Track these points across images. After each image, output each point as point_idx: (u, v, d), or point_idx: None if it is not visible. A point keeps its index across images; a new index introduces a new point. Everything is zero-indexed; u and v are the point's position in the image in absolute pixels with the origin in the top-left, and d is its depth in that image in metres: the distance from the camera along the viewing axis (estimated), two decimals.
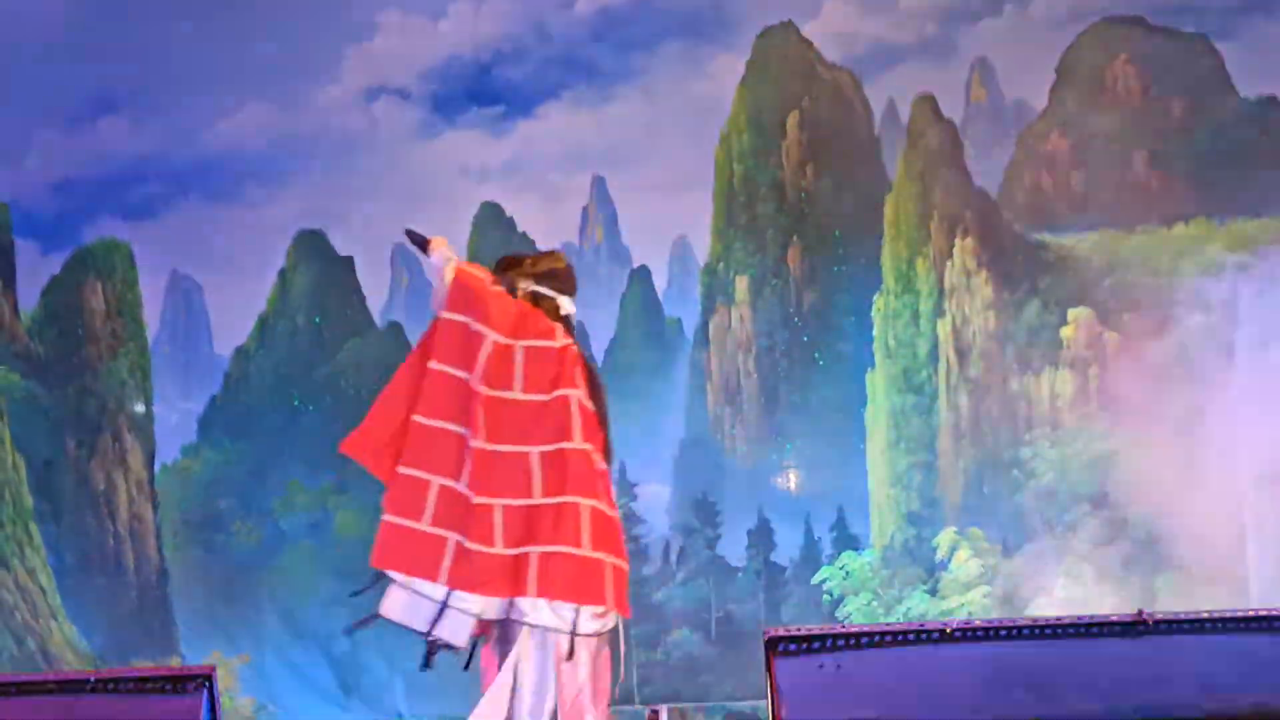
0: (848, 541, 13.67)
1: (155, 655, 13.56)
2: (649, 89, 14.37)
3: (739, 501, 13.99)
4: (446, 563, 5.38)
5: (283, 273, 14.59)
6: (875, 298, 13.91)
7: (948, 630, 5.00)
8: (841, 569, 13.63)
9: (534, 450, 5.40)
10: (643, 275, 14.50)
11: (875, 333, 13.90)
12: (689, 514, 13.99)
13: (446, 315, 5.55)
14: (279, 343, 14.55)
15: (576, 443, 5.40)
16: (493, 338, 5.52)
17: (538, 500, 5.36)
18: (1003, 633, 5.05)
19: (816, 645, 4.86)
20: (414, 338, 14.54)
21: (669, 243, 14.58)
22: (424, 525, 5.44)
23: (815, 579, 13.68)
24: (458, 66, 14.51)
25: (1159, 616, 5.06)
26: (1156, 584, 13.29)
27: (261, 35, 14.36)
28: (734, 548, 13.89)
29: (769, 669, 4.86)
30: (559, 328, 5.76)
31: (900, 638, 4.97)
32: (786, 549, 13.80)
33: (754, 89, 14.30)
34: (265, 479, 14.25)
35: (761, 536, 13.87)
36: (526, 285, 5.93)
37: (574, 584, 5.20)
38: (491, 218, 14.56)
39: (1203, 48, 13.84)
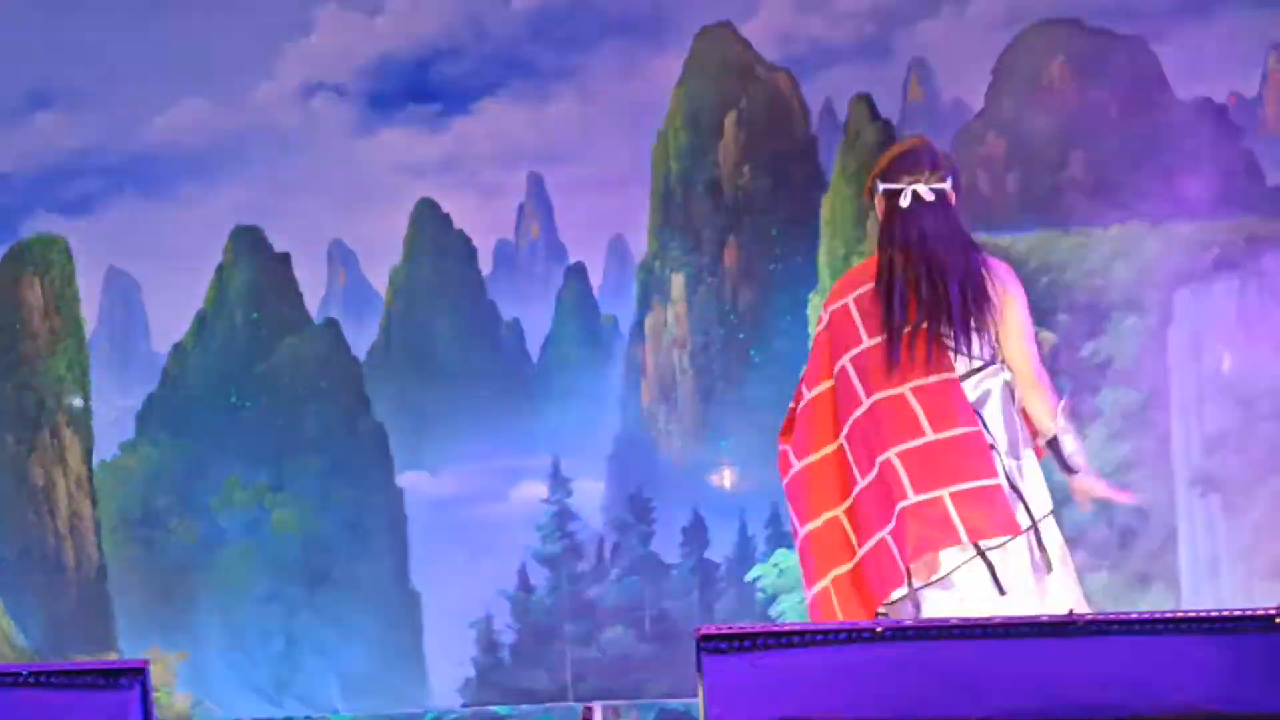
0: (782, 539, 13.72)
1: (93, 651, 13.51)
2: (586, 87, 14.39)
3: (673, 498, 14.03)
4: None
5: (220, 269, 14.54)
6: (810, 296, 13.97)
7: (879, 630, 5.04)
8: (775, 567, 13.68)
9: None
10: (579, 272, 14.51)
11: (810, 331, 13.97)
12: (623, 510, 14.02)
13: None
14: (217, 339, 14.51)
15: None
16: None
17: None
18: (934, 632, 5.08)
19: (748, 643, 4.89)
20: (351, 335, 14.60)
21: (605, 240, 14.60)
22: None
23: (749, 576, 13.73)
24: (394, 63, 14.49)
25: (1089, 617, 5.10)
26: (1088, 585, 13.38)
27: (197, 30, 14.30)
28: (668, 545, 13.93)
29: (700, 667, 4.89)
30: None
31: (832, 637, 5.00)
32: (721, 546, 13.84)
33: (691, 88, 14.34)
34: (203, 476, 14.21)
35: (696, 533, 13.91)
36: (878, 188, 5.82)
37: None
38: (428, 214, 14.55)
39: (1139, 50, 13.93)
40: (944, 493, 5.77)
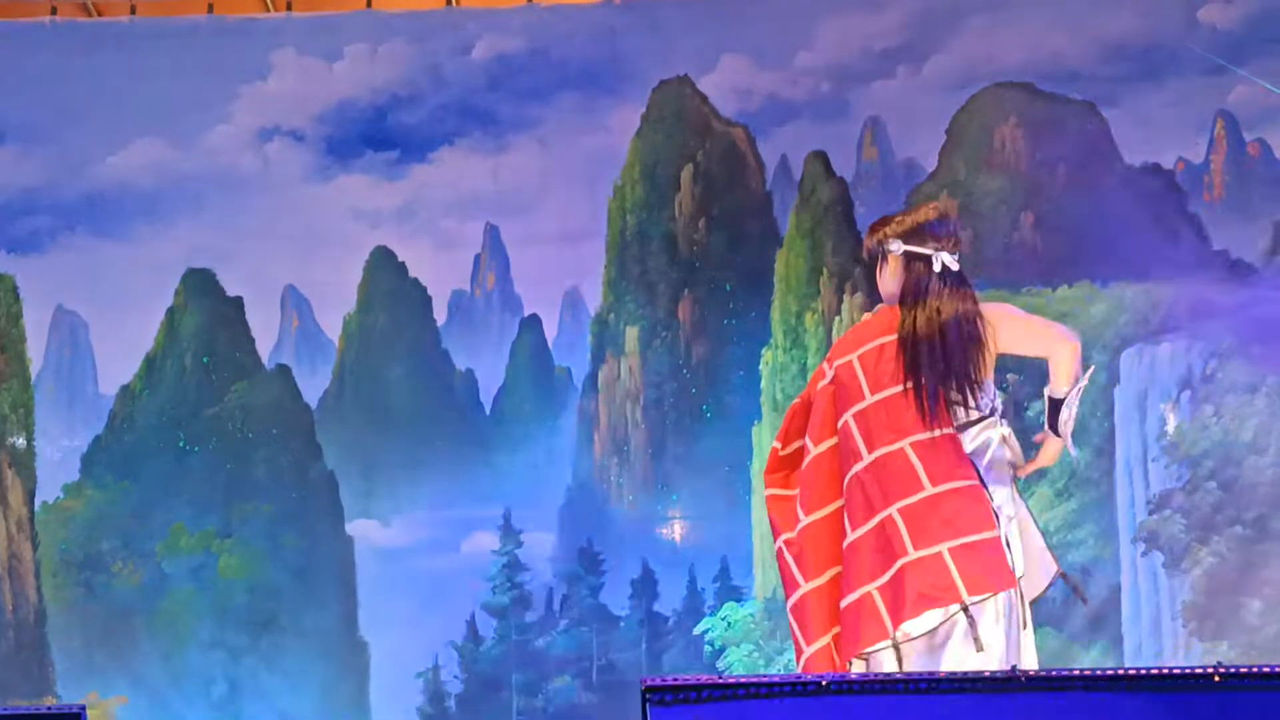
0: (730, 593, 13.73)
1: (30, 695, 13.39)
2: (544, 138, 14.43)
3: (623, 551, 14.02)
4: None
5: (171, 311, 14.48)
6: (764, 351, 14.01)
7: (824, 683, 5.05)
8: (724, 620, 13.69)
9: None
10: (533, 324, 14.52)
11: (763, 386, 14.00)
12: (573, 562, 14.00)
13: None
14: (166, 382, 14.44)
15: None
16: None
17: None
18: (878, 687, 5.10)
19: (693, 695, 4.89)
20: (302, 381, 14.56)
21: (560, 292, 14.61)
22: None
23: (698, 629, 13.73)
24: (352, 110, 14.51)
25: (1033, 673, 5.12)
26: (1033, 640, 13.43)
27: (154, 71, 14.31)
28: (617, 596, 13.92)
29: (645, 718, 4.89)
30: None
31: (777, 689, 5.02)
32: (670, 599, 13.84)
33: (649, 141, 14.39)
34: (148, 520, 14.12)
35: (645, 586, 13.91)
36: (895, 247, 5.83)
37: None
38: (383, 262, 14.54)
39: (1089, 115, 14.06)
40: (943, 548, 5.81)
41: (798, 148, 14.27)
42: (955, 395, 5.88)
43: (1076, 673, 4.98)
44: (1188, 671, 5.01)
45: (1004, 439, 6.09)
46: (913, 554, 5.79)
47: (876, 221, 5.99)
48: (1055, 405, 6.13)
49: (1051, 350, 6.16)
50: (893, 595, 5.84)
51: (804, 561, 6.04)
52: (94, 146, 14.34)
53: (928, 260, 5.89)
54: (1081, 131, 14.03)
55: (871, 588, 5.86)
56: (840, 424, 5.86)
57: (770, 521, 6.20)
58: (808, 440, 6.08)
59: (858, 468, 5.83)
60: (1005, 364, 14.15)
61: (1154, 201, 13.87)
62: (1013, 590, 5.96)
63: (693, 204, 14.37)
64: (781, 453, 6.27)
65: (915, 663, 5.84)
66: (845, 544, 5.86)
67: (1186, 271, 13.57)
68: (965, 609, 5.84)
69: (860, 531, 5.91)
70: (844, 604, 5.88)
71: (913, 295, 5.89)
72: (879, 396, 5.83)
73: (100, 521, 14.12)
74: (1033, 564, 6.07)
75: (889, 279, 5.96)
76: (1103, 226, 13.78)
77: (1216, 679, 4.92)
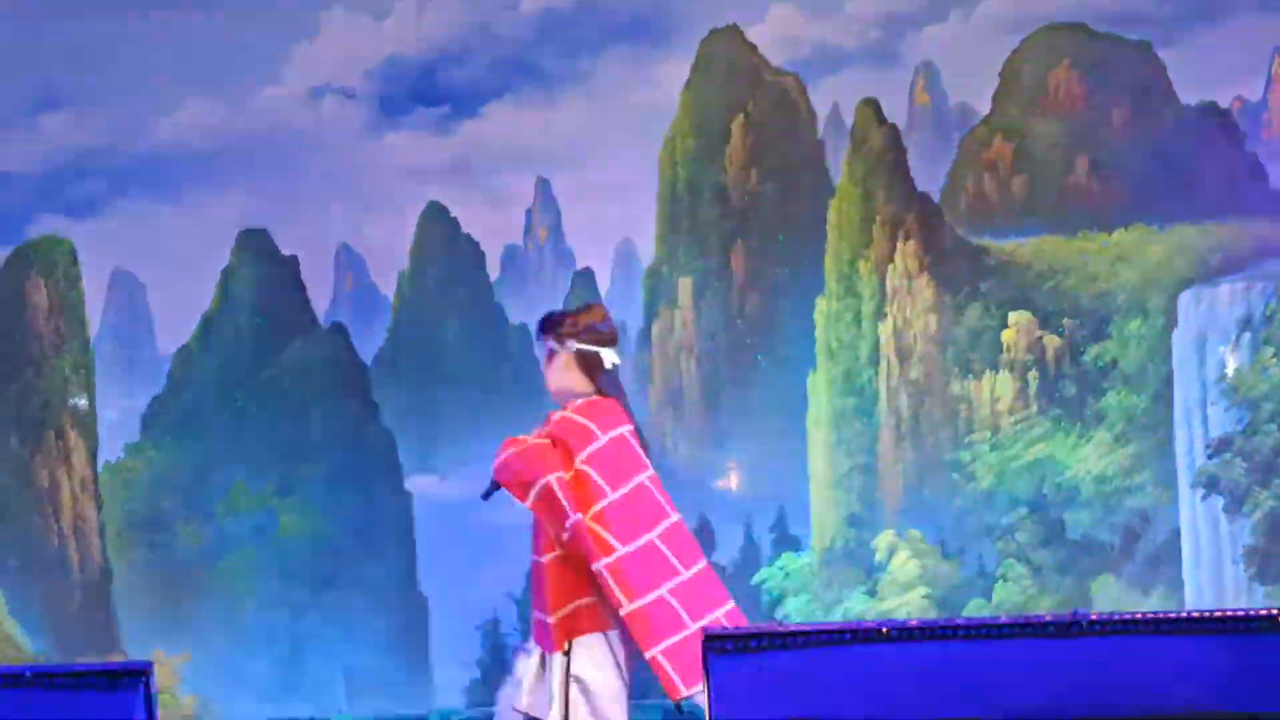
0: (787, 542, 13.73)
1: (97, 653, 13.51)
2: (594, 92, 14.40)
3: (680, 502, 13.97)
4: None
5: (226, 272, 14.54)
6: (817, 300, 13.97)
7: (884, 631, 5.04)
8: (781, 569, 13.69)
9: None
10: (586, 278, 14.51)
11: (817, 335, 13.97)
12: None
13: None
14: (222, 342, 14.51)
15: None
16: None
17: None
18: (939, 633, 5.08)
19: (754, 644, 4.89)
20: (358, 339, 14.60)
21: (613, 245, 14.62)
22: None
23: (755, 579, 13.73)
24: (402, 67, 14.51)
25: (1093, 618, 5.10)
26: (1093, 587, 13.40)
27: (205, 33, 14.32)
28: None
29: (705, 667, 4.89)
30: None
31: (837, 637, 5.01)
32: (727, 549, 13.85)
33: (698, 93, 14.34)
34: (208, 480, 14.21)
35: (702, 537, 13.91)
36: (572, 345, 6.27)
37: None
38: (436, 219, 14.56)
39: (1144, 55, 13.94)
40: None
41: (849, 95, 14.20)
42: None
43: (1137, 617, 4.95)
44: (1250, 614, 4.98)
45: None
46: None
47: (550, 319, 6.27)
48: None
49: None
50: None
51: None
52: (147, 110, 14.40)
53: (598, 356, 6.24)
54: (1136, 72, 13.91)
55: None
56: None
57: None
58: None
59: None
60: (1062, 308, 14.13)
61: (1211, 141, 13.75)
62: None
63: (744, 154, 14.33)
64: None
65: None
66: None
67: (1245, 211, 13.47)
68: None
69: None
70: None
71: (597, 385, 6.22)
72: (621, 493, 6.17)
73: (161, 481, 14.22)
74: None
75: (564, 373, 6.24)
76: (1159, 168, 13.68)
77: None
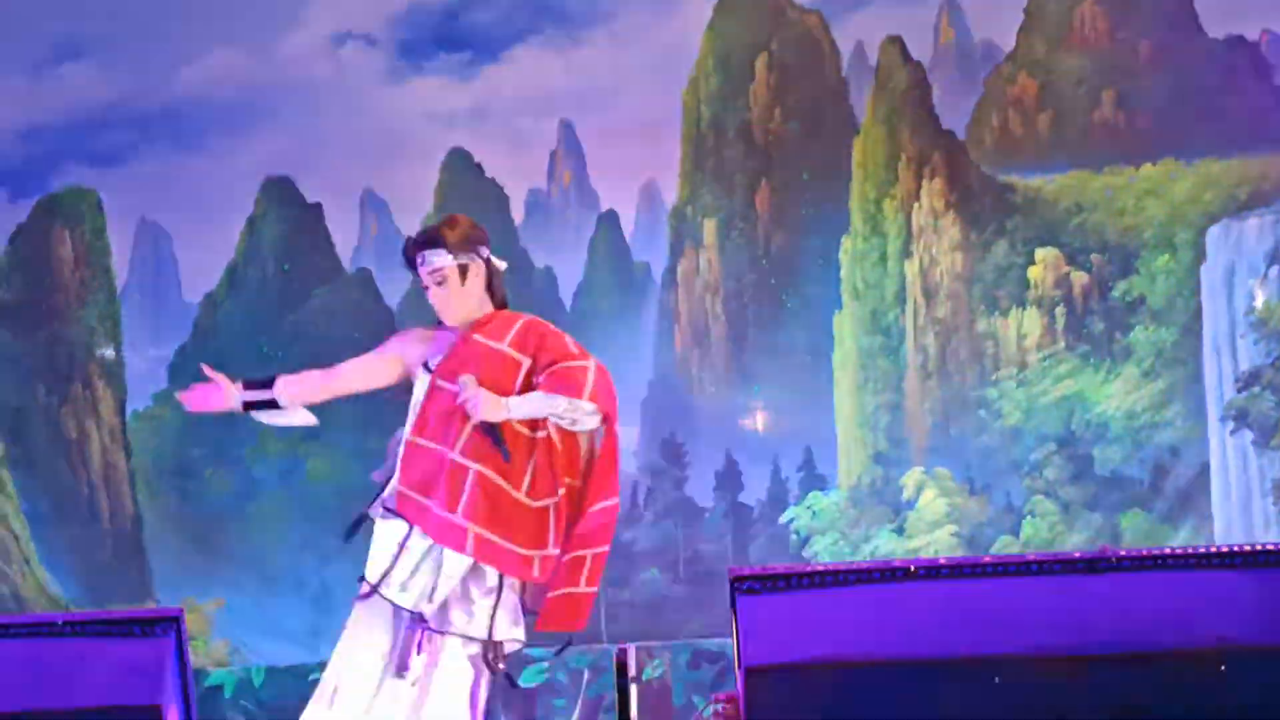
0: (815, 482, 13.74)
1: (130, 601, 13.59)
2: (617, 33, 14.35)
3: (707, 443, 14.04)
4: None
5: (251, 220, 14.56)
6: (843, 239, 13.94)
7: (913, 569, 5.05)
8: (809, 509, 13.70)
9: None
10: (610, 219, 14.50)
11: (843, 274, 13.94)
12: (656, 455, 14.04)
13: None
14: (248, 290, 14.54)
15: None
16: None
17: None
18: (967, 570, 5.09)
19: (781, 584, 4.91)
20: (383, 285, 14.60)
21: (637, 187, 14.58)
22: None
23: (782, 519, 13.75)
24: (423, 12, 14.46)
25: (1122, 553, 5.10)
26: (1121, 522, 13.39)
27: None
28: (702, 488, 13.95)
29: (734, 607, 4.91)
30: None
31: (865, 576, 5.02)
32: (754, 489, 13.86)
33: (721, 32, 14.28)
34: (236, 427, 14.22)
35: (729, 477, 13.93)
36: (485, 253, 5.89)
37: None
38: (459, 163, 14.53)
39: None
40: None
41: (873, 33, 14.13)
42: None
43: (1166, 552, 4.96)
44: (1279, 548, 4.98)
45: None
46: None
47: (438, 232, 5.78)
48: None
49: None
50: None
51: None
52: (169, 59, 14.38)
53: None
54: (1162, 5, 13.82)
55: None
56: None
57: None
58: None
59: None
60: (1088, 244, 14.10)
61: (1238, 74, 13.66)
62: None
63: (768, 94, 14.27)
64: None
65: None
66: None
67: (1273, 144, 13.39)
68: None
69: None
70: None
71: (501, 297, 5.80)
72: None
73: (190, 429, 14.26)
74: None
75: (477, 286, 5.77)
76: (1186, 102, 13.60)
77: None
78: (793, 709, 4.82)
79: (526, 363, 5.58)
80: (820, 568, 4.96)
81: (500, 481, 5.49)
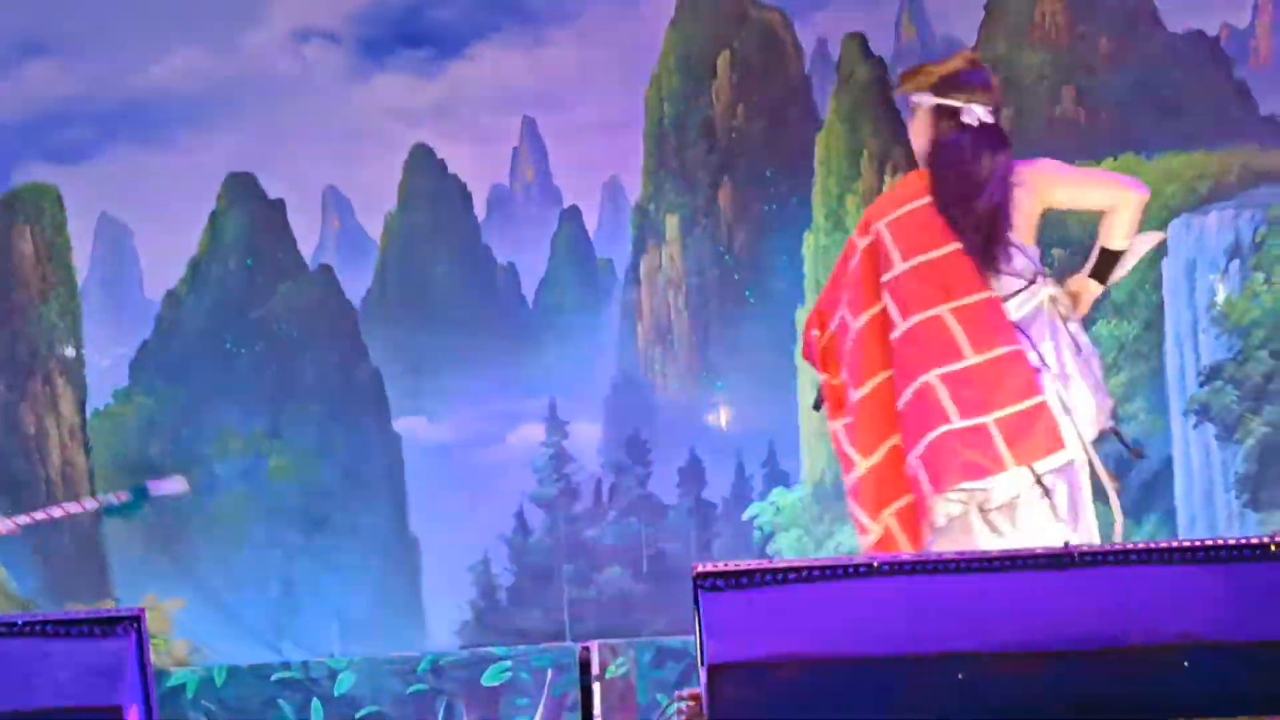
0: (778, 478, 13.75)
1: (90, 599, 13.53)
2: (580, 30, 14.34)
3: (670, 439, 14.05)
4: None
5: (214, 216, 14.52)
6: (806, 235, 13.96)
7: (875, 565, 5.03)
8: (772, 505, 13.71)
9: None
10: (573, 215, 14.50)
11: (806, 270, 13.96)
12: (620, 452, 14.04)
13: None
14: (211, 286, 14.49)
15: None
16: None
17: None
18: (929, 566, 5.07)
19: (744, 580, 4.88)
20: (346, 281, 14.56)
21: (600, 183, 14.59)
22: None
23: (746, 515, 13.76)
24: (385, 9, 14.43)
25: (1085, 548, 5.10)
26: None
27: None
28: (665, 485, 13.96)
29: (697, 604, 4.88)
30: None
31: (827, 572, 5.00)
32: (717, 486, 13.87)
33: (684, 29, 14.29)
34: (198, 424, 14.21)
35: (692, 474, 13.94)
36: (924, 100, 5.65)
37: None
38: (422, 160, 14.52)
39: None
40: (989, 420, 5.60)
41: (835, 30, 14.16)
42: (989, 259, 5.65)
43: (1130, 547, 4.94)
44: (1243, 543, 4.97)
45: (1052, 299, 5.84)
46: (956, 423, 5.65)
47: (906, 72, 5.71)
48: (1107, 257, 5.80)
49: (1117, 200, 5.79)
50: (933, 462, 5.72)
51: (857, 438, 5.89)
52: (132, 55, 14.32)
53: (957, 114, 5.63)
54: (1123, 1, 13.87)
55: (912, 457, 5.74)
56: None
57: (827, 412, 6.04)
58: (846, 314, 5.89)
59: (894, 336, 5.68)
60: (1050, 238, 14.12)
61: (1198, 69, 13.72)
62: (1069, 455, 5.83)
63: (730, 91, 14.28)
64: (822, 343, 6.10)
65: (989, 539, 5.70)
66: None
67: (1233, 139, 13.44)
68: (1039, 479, 5.71)
69: (903, 400, 5.76)
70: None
71: (942, 153, 5.65)
72: (911, 264, 5.65)
73: (151, 426, 14.21)
74: (1084, 418, 5.88)
75: (919, 135, 5.72)
76: (1147, 97, 13.65)
77: (1273, 549, 4.88)
78: (756, 706, 4.81)
79: None
80: (784, 564, 4.94)
81: None
